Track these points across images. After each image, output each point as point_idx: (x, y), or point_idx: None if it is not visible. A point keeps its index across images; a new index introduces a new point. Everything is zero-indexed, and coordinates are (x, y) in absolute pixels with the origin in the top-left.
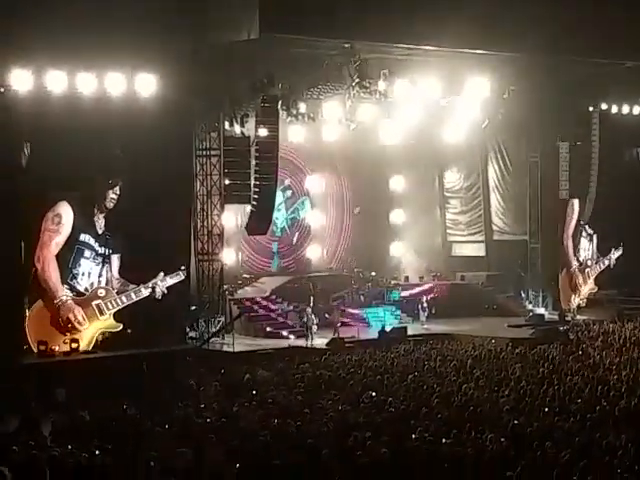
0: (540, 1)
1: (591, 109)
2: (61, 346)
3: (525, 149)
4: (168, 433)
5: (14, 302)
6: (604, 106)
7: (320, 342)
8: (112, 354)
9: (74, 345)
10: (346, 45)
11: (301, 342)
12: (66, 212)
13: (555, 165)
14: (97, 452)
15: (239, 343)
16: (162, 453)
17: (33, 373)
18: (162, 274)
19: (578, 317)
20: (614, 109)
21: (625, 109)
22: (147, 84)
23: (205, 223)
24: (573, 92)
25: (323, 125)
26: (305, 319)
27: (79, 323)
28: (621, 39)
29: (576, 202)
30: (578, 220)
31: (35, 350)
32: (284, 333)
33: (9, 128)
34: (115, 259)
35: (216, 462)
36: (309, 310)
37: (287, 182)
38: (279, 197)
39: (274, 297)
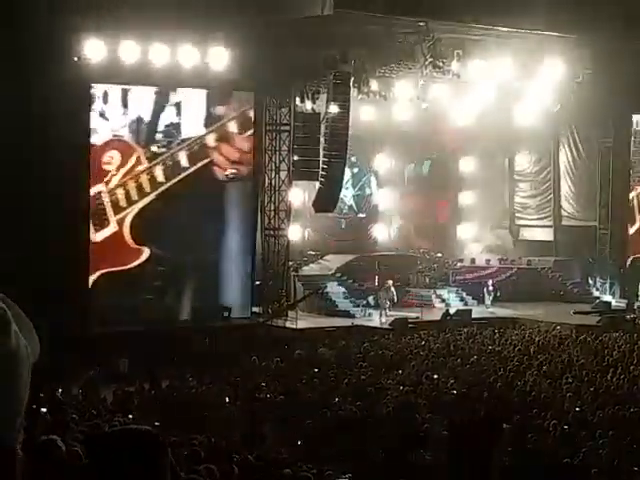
0: None
1: None
2: None
3: (597, 134)
4: (230, 408)
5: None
6: None
7: (384, 321)
8: (176, 326)
9: None
10: (420, 24)
11: (365, 321)
12: None
13: (627, 151)
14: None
15: (303, 320)
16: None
17: (98, 343)
18: None
19: None
20: None
21: None
22: (219, 57)
23: (272, 198)
24: None
25: (394, 104)
26: (380, 298)
27: None
28: None
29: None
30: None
31: None
32: (348, 312)
33: (83, 96)
34: None
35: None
36: (386, 288)
37: (355, 159)
38: (347, 174)
39: (339, 275)
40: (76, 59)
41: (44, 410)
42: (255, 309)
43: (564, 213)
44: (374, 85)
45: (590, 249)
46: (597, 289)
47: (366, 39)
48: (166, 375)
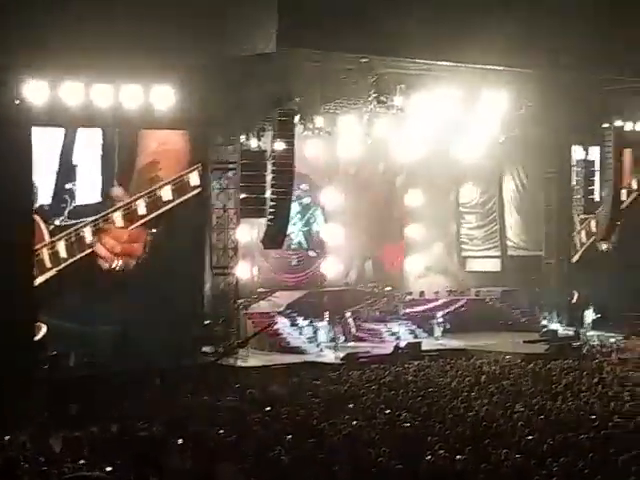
0: (556, 18)
1: (605, 125)
2: None
3: (541, 165)
4: (182, 448)
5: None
6: (618, 123)
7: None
8: (126, 369)
9: None
10: (363, 60)
11: (315, 357)
12: None
13: (569, 181)
14: (109, 469)
15: (254, 358)
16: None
17: (46, 388)
18: None
19: (592, 333)
20: (628, 126)
21: (639, 126)
22: (163, 96)
23: (221, 237)
24: (588, 108)
25: (339, 139)
26: (332, 333)
27: None
28: (637, 56)
29: (591, 219)
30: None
31: None
32: (299, 348)
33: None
34: None
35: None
36: (333, 324)
37: (302, 195)
38: (294, 210)
39: (289, 311)
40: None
41: None
42: (205, 348)
43: (510, 243)
44: (319, 121)
45: (537, 278)
46: (544, 318)
47: (310, 76)
48: (117, 418)
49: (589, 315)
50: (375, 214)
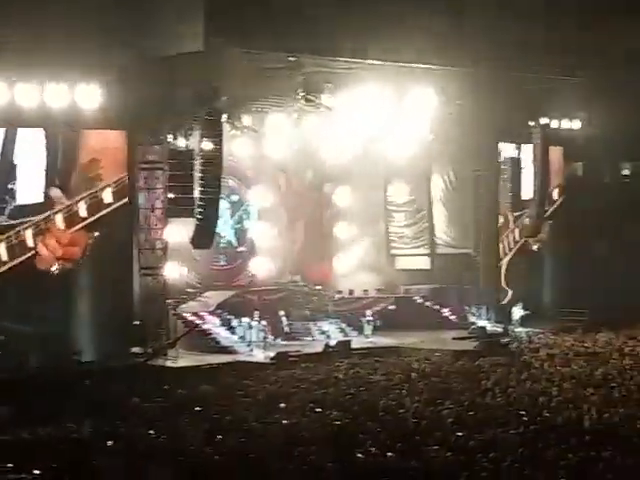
0: (483, 16)
1: (533, 124)
2: None
3: (469, 163)
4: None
5: None
6: (545, 121)
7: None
8: (55, 370)
9: None
10: (291, 59)
11: (246, 357)
12: None
13: (497, 179)
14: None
15: (184, 358)
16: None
17: None
18: None
19: (520, 329)
20: (555, 124)
21: (565, 124)
22: (89, 96)
23: (149, 237)
24: (516, 107)
25: (268, 138)
26: (260, 333)
27: None
28: (565, 55)
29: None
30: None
31: None
32: (229, 348)
33: None
34: None
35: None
36: (264, 323)
37: (231, 193)
38: (224, 209)
39: (219, 311)
40: None
41: None
42: (135, 349)
43: (439, 241)
44: (247, 120)
45: (465, 276)
46: (473, 315)
47: (238, 74)
48: (46, 420)
49: (517, 312)
50: (304, 213)
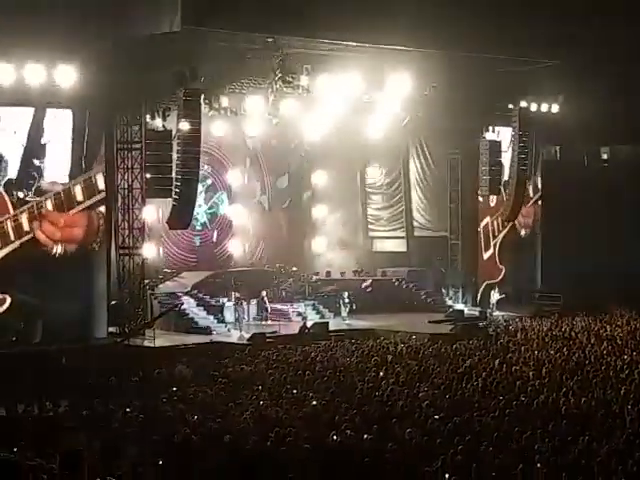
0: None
1: (511, 107)
2: None
3: (446, 146)
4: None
5: None
6: (524, 104)
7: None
8: (31, 348)
9: None
10: (269, 39)
11: (222, 337)
12: None
13: (475, 162)
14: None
15: (160, 338)
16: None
17: None
18: None
19: (497, 313)
20: (533, 107)
21: (544, 107)
22: (67, 75)
23: (126, 217)
24: (494, 90)
25: (245, 119)
26: (237, 313)
27: None
28: (542, 38)
29: (495, 199)
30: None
31: None
32: (206, 328)
33: None
34: None
35: (136, 458)
36: (240, 304)
37: (208, 176)
38: (200, 190)
39: (195, 292)
40: None
41: None
42: (112, 329)
43: (416, 224)
44: (225, 101)
45: (442, 259)
46: (450, 298)
47: (216, 55)
48: (22, 398)
49: (494, 295)
50: (282, 195)
